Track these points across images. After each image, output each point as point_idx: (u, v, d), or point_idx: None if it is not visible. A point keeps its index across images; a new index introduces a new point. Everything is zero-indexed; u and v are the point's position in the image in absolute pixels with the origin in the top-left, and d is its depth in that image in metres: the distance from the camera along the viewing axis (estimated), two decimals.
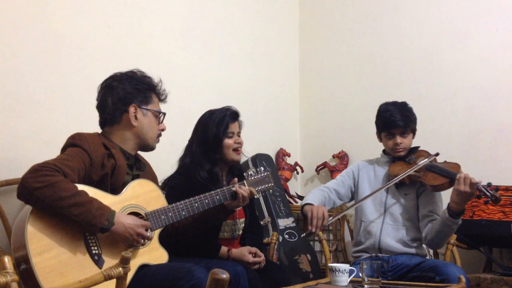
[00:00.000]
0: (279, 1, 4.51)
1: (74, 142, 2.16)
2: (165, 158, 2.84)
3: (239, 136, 2.75)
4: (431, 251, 3.26)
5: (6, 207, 2.61)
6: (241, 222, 2.78)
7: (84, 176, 2.12)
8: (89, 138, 2.19)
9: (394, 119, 2.89)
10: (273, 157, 4.28)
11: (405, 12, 4.13)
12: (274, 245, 3.04)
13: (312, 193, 2.96)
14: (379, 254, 2.88)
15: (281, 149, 4.36)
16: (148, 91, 2.35)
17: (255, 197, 2.54)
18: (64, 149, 2.18)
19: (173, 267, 2.17)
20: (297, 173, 4.41)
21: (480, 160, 3.66)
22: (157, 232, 2.27)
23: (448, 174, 2.77)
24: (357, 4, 4.37)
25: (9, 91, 2.71)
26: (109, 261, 2.07)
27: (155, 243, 2.26)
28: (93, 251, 2.06)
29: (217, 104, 2.84)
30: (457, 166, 2.84)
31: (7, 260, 1.44)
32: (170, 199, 2.39)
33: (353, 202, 3.04)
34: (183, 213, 2.30)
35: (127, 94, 2.29)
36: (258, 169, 2.57)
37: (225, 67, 3.96)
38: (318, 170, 4.38)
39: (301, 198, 4.26)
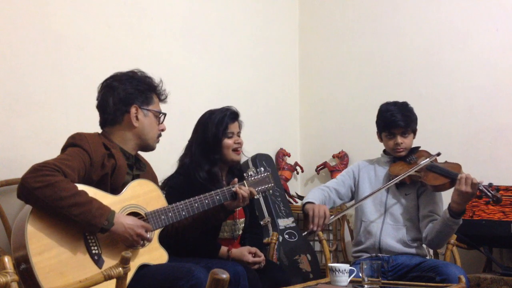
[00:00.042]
0: (279, 1, 4.51)
1: (74, 142, 2.16)
2: (165, 158, 2.84)
3: (239, 136, 2.75)
4: (431, 251, 3.26)
5: (6, 207, 2.61)
6: (241, 222, 2.78)
7: (84, 176, 2.12)
8: (90, 138, 2.19)
9: (395, 119, 2.89)
10: (273, 157, 4.28)
11: (405, 12, 4.13)
12: (274, 245, 3.04)
13: (312, 192, 2.96)
14: (379, 254, 2.88)
15: (281, 149, 4.36)
16: (149, 92, 2.35)
17: (255, 197, 2.54)
18: (64, 149, 2.18)
19: (173, 267, 2.17)
20: (297, 173, 4.41)
21: (480, 160, 3.66)
22: (157, 232, 2.27)
23: (449, 175, 2.77)
24: (357, 4, 4.37)
25: (9, 91, 2.71)
26: (109, 261, 2.07)
27: (155, 243, 2.26)
28: (93, 251, 2.06)
29: (217, 104, 2.84)
30: (458, 167, 2.84)
31: (7, 260, 1.44)
32: (170, 199, 2.39)
33: (353, 201, 3.04)
34: (183, 213, 2.30)
35: (128, 95, 2.29)
36: (258, 170, 2.57)
37: (225, 67, 3.96)
38: (318, 170, 4.38)
39: (301, 198, 4.26)
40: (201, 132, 2.72)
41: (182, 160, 2.76)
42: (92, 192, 2.09)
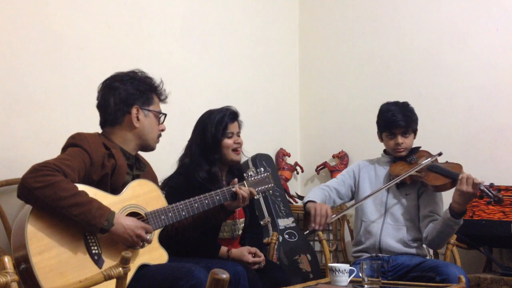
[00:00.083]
0: (279, 1, 4.51)
1: (75, 142, 2.16)
2: (165, 158, 2.84)
3: (238, 136, 2.75)
4: (431, 251, 3.26)
5: (6, 207, 2.61)
6: (241, 222, 2.78)
7: (84, 176, 2.12)
8: (90, 138, 2.19)
9: (396, 119, 2.89)
10: (273, 157, 4.28)
11: (405, 12, 4.13)
12: (274, 245, 3.04)
13: (313, 191, 2.96)
14: (379, 254, 2.88)
15: (281, 149, 4.36)
16: (150, 92, 2.36)
17: (255, 197, 2.54)
18: (64, 149, 2.18)
19: (173, 267, 2.17)
20: (297, 173, 4.42)
21: (480, 160, 3.66)
22: (157, 232, 2.27)
23: (450, 175, 2.77)
24: (357, 4, 4.37)
25: (9, 91, 2.71)
26: (109, 261, 2.07)
27: (155, 243, 2.26)
28: (93, 251, 2.06)
29: (217, 104, 2.84)
30: (459, 167, 2.84)
31: (7, 260, 1.44)
32: (169, 199, 2.39)
33: (354, 201, 3.03)
34: (183, 213, 2.30)
35: (129, 95, 2.29)
36: (258, 170, 2.57)
37: (225, 67, 3.96)
38: (318, 170, 4.38)
39: (301, 198, 4.26)
40: (201, 132, 2.72)
41: (182, 160, 2.76)
42: (92, 192, 2.09)
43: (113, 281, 1.68)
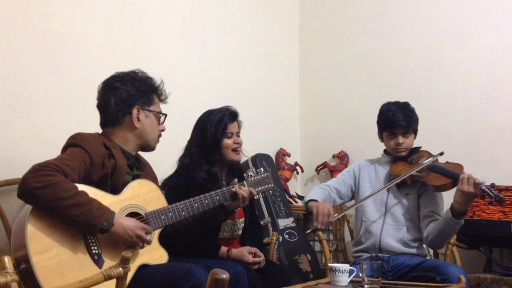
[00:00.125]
0: (279, 1, 4.51)
1: (75, 142, 2.16)
2: (165, 158, 2.84)
3: (238, 136, 2.75)
4: (431, 251, 3.26)
5: (6, 207, 2.61)
6: (240, 222, 2.78)
7: (84, 176, 2.12)
8: (90, 138, 2.19)
9: (396, 119, 2.89)
10: (273, 157, 4.28)
11: (405, 12, 4.13)
12: (274, 245, 3.04)
13: (313, 191, 2.96)
14: (380, 254, 2.88)
15: (281, 149, 4.36)
16: (150, 93, 2.36)
17: (255, 198, 2.54)
18: (64, 149, 2.18)
19: (173, 267, 2.17)
20: (297, 173, 4.42)
21: (480, 160, 3.66)
22: (157, 232, 2.27)
23: (451, 175, 2.77)
24: (357, 4, 4.37)
25: (9, 91, 2.71)
26: (109, 261, 2.07)
27: (155, 243, 2.26)
28: (93, 251, 2.06)
29: (217, 104, 2.84)
30: (459, 167, 2.84)
31: (7, 260, 1.44)
32: (169, 199, 2.39)
33: (355, 201, 3.03)
34: (183, 213, 2.30)
35: (130, 96, 2.29)
36: (258, 170, 2.57)
37: (225, 67, 3.96)
38: (318, 170, 4.38)
39: (301, 198, 4.26)
40: (200, 132, 2.72)
41: (181, 160, 2.76)
42: (92, 192, 2.09)
43: (113, 281, 1.68)
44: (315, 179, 4.48)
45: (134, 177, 2.31)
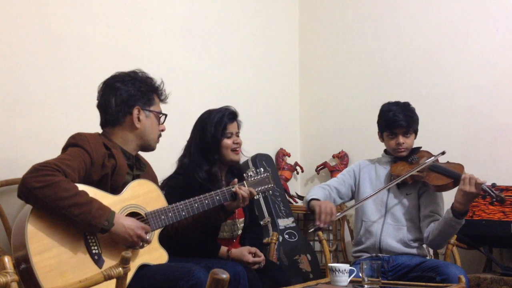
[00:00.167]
0: (279, 1, 4.51)
1: (75, 142, 2.16)
2: (165, 158, 2.84)
3: (237, 136, 2.75)
4: (431, 251, 3.26)
5: (6, 207, 2.60)
6: (240, 222, 2.78)
7: (85, 176, 2.12)
8: (90, 138, 2.19)
9: (397, 119, 2.89)
10: (273, 157, 4.28)
11: (405, 12, 4.13)
12: (274, 245, 3.04)
13: (314, 190, 2.96)
14: (380, 254, 2.88)
15: (281, 149, 4.36)
16: (151, 93, 2.36)
17: (255, 198, 2.54)
18: (65, 149, 2.18)
19: (173, 267, 2.17)
20: (297, 173, 4.42)
21: (480, 160, 3.66)
22: (157, 232, 2.27)
23: (452, 175, 2.78)
24: (357, 4, 4.37)
25: (9, 91, 2.71)
26: (109, 261, 2.07)
27: (155, 243, 2.26)
28: (93, 251, 2.06)
29: (217, 104, 2.84)
30: (460, 167, 2.84)
31: (7, 260, 1.44)
32: (169, 199, 2.39)
33: (358, 200, 3.03)
34: (183, 213, 2.30)
35: (130, 96, 2.29)
36: (258, 170, 2.57)
37: (225, 67, 3.96)
38: (318, 170, 4.39)
39: (301, 198, 4.26)
40: (200, 132, 2.72)
41: (181, 160, 2.76)
42: (93, 192, 2.09)
43: (113, 281, 1.68)
44: (315, 179, 4.48)
45: (134, 177, 2.31)
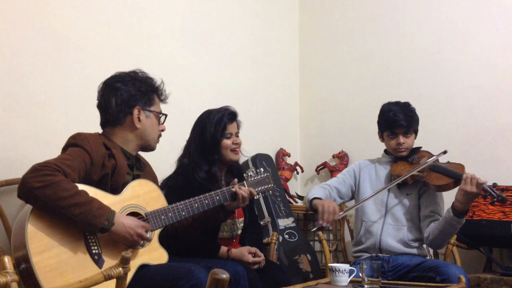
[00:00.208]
0: (279, 1, 4.51)
1: (75, 142, 2.16)
2: (165, 158, 2.84)
3: (237, 136, 2.75)
4: (431, 251, 3.26)
5: (6, 207, 2.61)
6: (240, 222, 2.78)
7: (85, 176, 2.12)
8: (90, 138, 2.19)
9: (397, 119, 2.89)
10: (273, 157, 4.28)
11: (405, 12, 4.13)
12: (274, 245, 3.04)
13: (315, 189, 2.96)
14: (380, 254, 2.88)
15: (281, 149, 4.36)
16: (151, 93, 2.36)
17: (255, 198, 2.54)
18: (65, 149, 2.18)
19: (173, 267, 2.17)
20: (297, 173, 4.42)
21: (480, 160, 3.66)
22: (157, 232, 2.27)
23: (453, 175, 2.78)
24: (357, 4, 4.37)
25: (9, 91, 2.71)
26: (109, 261, 2.07)
27: (155, 243, 2.26)
28: (93, 251, 2.06)
29: (217, 104, 2.84)
30: (461, 167, 2.85)
31: (7, 260, 1.44)
32: (169, 199, 2.39)
33: (358, 200, 3.02)
34: (183, 213, 2.30)
35: (131, 96, 2.29)
36: (258, 170, 2.57)
37: (225, 67, 3.96)
38: (318, 170, 4.39)
39: (301, 198, 4.26)
40: (200, 132, 2.72)
41: (180, 160, 2.76)
42: (93, 192, 2.09)
43: (113, 281, 1.68)
44: (315, 179, 4.48)
45: (134, 177, 2.31)
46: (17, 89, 2.74)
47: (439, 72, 3.94)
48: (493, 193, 2.67)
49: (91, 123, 2.42)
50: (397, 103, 2.97)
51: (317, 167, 4.38)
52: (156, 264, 2.23)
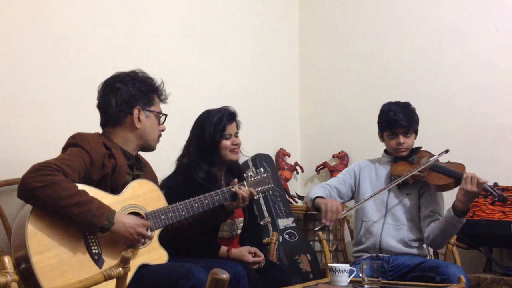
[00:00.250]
0: (279, 1, 4.51)
1: (75, 142, 2.16)
2: (165, 158, 2.84)
3: (236, 136, 2.75)
4: (431, 251, 3.26)
5: (6, 207, 2.61)
6: (240, 222, 2.78)
7: (85, 176, 2.12)
8: (90, 138, 2.19)
9: (398, 119, 2.89)
10: (273, 157, 4.28)
11: (405, 12, 4.13)
12: (274, 245, 3.04)
13: (315, 189, 2.95)
14: (380, 254, 2.88)
15: (281, 149, 4.36)
16: (151, 93, 2.36)
17: (255, 198, 2.54)
18: (65, 149, 2.18)
19: (173, 267, 2.17)
20: (297, 173, 4.41)
21: (480, 160, 3.66)
22: (157, 232, 2.27)
23: (453, 174, 2.78)
24: (357, 4, 4.37)
25: (9, 91, 2.71)
26: (109, 261, 2.07)
27: (155, 243, 2.27)
28: (93, 251, 2.06)
29: (217, 104, 2.84)
30: (461, 167, 2.85)
31: (7, 260, 1.44)
32: (168, 199, 2.39)
33: (359, 200, 3.02)
34: (183, 213, 2.30)
35: (131, 96, 2.29)
36: (258, 170, 2.57)
37: (225, 67, 3.96)
38: (318, 170, 4.38)
39: (301, 198, 4.26)
40: (199, 133, 2.72)
41: (180, 160, 2.76)
42: (93, 192, 2.09)
43: (113, 281, 1.68)
44: (315, 179, 4.48)
45: (134, 177, 2.31)
46: (17, 89, 2.74)
47: (439, 72, 3.94)
48: (494, 192, 2.67)
49: (91, 123, 2.42)
50: (397, 103, 2.97)
51: (317, 167, 4.38)
52: (156, 264, 2.23)
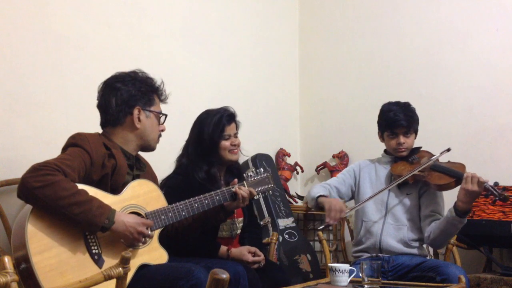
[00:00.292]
0: (279, 1, 4.51)
1: (75, 142, 2.16)
2: (164, 158, 2.84)
3: (236, 137, 2.75)
4: (432, 251, 3.26)
5: (6, 207, 2.61)
6: (239, 222, 2.78)
7: (85, 176, 2.12)
8: (90, 138, 2.19)
9: (398, 119, 2.89)
10: (273, 157, 4.28)
11: (405, 12, 4.13)
12: (274, 245, 3.04)
13: (317, 188, 2.95)
14: (380, 254, 2.88)
15: (281, 149, 4.36)
16: (151, 93, 2.36)
17: (255, 198, 2.54)
18: (65, 149, 2.19)
19: (173, 267, 2.17)
20: (297, 173, 4.41)
21: (480, 160, 3.66)
22: (157, 232, 2.27)
23: (454, 174, 2.78)
24: (357, 4, 4.37)
25: (9, 91, 2.71)
26: (109, 261, 2.07)
27: (155, 243, 2.27)
28: (93, 251, 2.06)
29: (217, 104, 2.84)
30: (462, 166, 2.85)
31: (7, 260, 1.44)
32: (168, 199, 2.39)
33: (358, 200, 3.02)
34: (183, 213, 2.30)
35: (131, 96, 2.29)
36: (258, 170, 2.57)
37: (225, 67, 3.96)
38: (318, 170, 4.38)
39: (301, 198, 4.26)
40: (198, 133, 2.72)
41: (179, 160, 2.76)
42: (93, 192, 2.09)
43: (113, 281, 1.68)
44: (315, 179, 4.48)
45: (134, 177, 2.31)
46: (17, 89, 2.74)
47: (439, 72, 3.94)
48: (494, 191, 2.67)
49: (91, 123, 2.42)
50: (397, 103, 2.97)
51: (317, 167, 4.38)
52: (156, 264, 2.23)
